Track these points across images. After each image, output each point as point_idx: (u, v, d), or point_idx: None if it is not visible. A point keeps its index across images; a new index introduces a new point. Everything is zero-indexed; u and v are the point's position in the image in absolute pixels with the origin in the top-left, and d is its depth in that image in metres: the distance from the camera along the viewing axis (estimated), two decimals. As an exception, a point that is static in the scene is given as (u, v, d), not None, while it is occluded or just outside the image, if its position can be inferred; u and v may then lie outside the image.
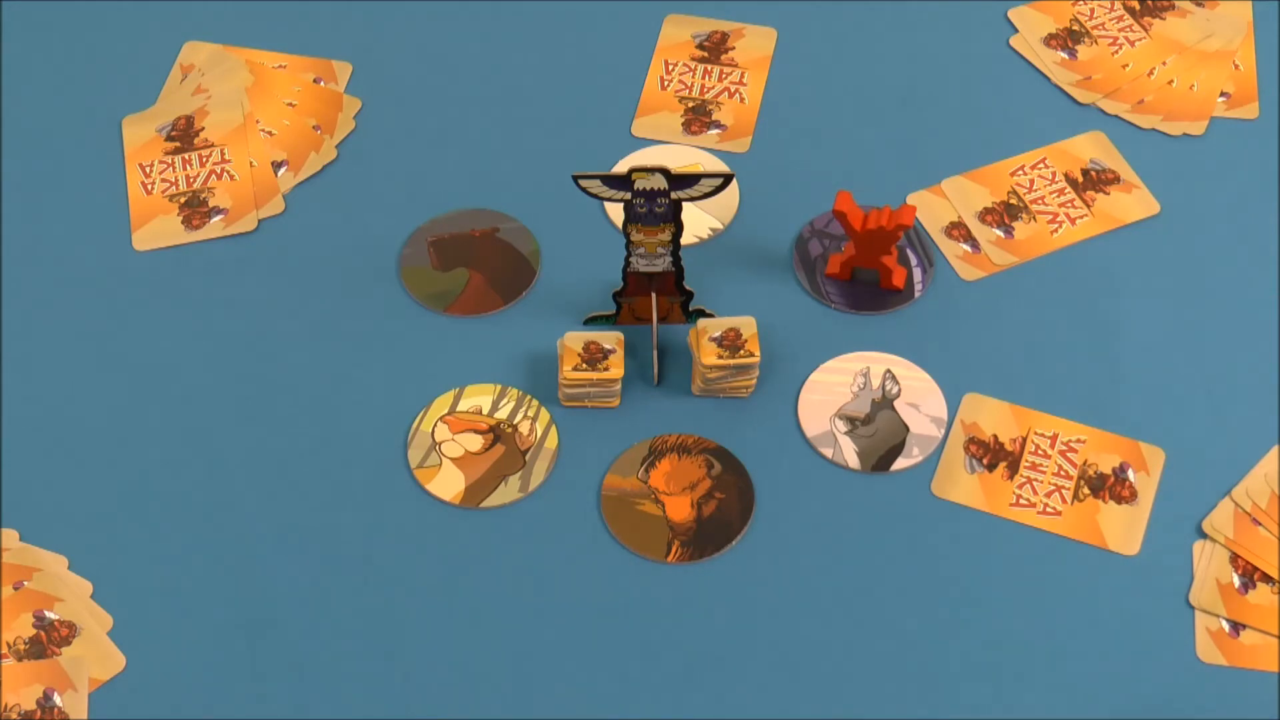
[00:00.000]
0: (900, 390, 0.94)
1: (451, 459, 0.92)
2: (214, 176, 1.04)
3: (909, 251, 1.00)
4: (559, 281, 0.99)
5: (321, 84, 1.10)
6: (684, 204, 0.89)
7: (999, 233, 1.01)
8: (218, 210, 1.03)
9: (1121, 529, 0.89)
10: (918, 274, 0.99)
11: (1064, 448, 0.92)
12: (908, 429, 0.93)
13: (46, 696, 0.83)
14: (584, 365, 0.92)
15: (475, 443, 0.92)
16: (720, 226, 1.02)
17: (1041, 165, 1.05)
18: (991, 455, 0.91)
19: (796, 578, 0.87)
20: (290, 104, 1.08)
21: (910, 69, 1.10)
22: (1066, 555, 0.88)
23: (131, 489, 0.91)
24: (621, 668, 0.84)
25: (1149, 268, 0.99)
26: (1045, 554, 0.88)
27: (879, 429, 0.93)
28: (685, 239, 0.92)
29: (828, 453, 0.92)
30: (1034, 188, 1.03)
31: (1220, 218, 1.02)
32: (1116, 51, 1.11)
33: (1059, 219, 1.02)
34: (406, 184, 1.05)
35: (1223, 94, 1.08)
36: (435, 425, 0.93)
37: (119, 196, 1.04)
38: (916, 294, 0.99)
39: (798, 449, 0.92)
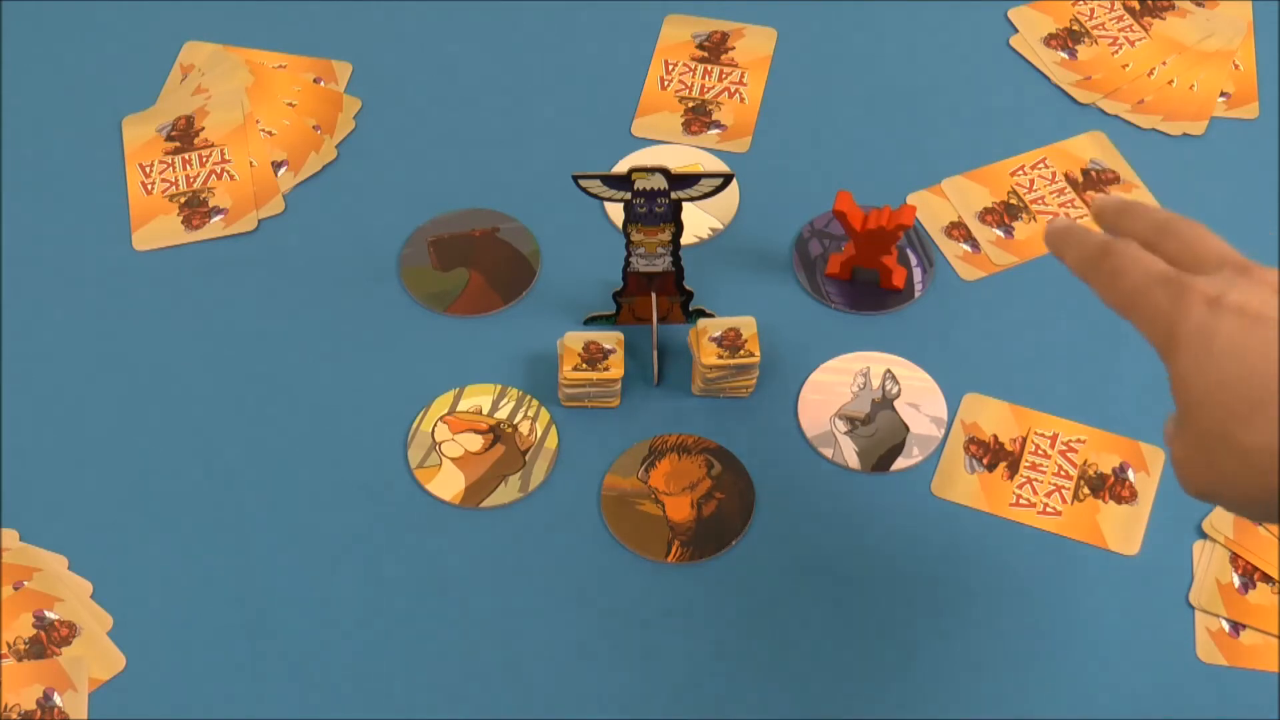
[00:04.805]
0: (900, 390, 0.94)
1: (451, 459, 0.92)
2: (214, 176, 1.04)
3: (909, 251, 1.00)
4: (559, 281, 0.99)
5: (321, 84, 1.10)
6: (684, 204, 0.90)
7: (999, 233, 1.01)
8: (218, 210, 1.03)
9: (1121, 529, 0.89)
10: (918, 274, 0.99)
11: (1064, 448, 0.92)
12: (908, 429, 0.93)
13: (46, 696, 0.83)
14: (584, 365, 0.92)
15: (475, 443, 0.92)
16: (720, 226, 1.02)
17: (1041, 165, 1.05)
18: (991, 455, 0.92)
19: (796, 577, 0.87)
20: (290, 104, 1.08)
21: (910, 69, 1.11)
22: (1066, 555, 0.88)
23: (131, 489, 0.91)
24: (621, 668, 0.84)
25: (1149, 268, 0.99)
26: (1045, 554, 0.88)
27: (879, 429, 0.93)
28: (685, 239, 0.92)
29: (828, 453, 0.92)
30: (1034, 188, 1.03)
31: (1220, 218, 1.01)
32: (1116, 51, 1.11)
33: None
34: (406, 184, 1.05)
35: (1223, 94, 1.08)
36: (435, 425, 0.93)
37: (119, 196, 1.04)
38: (916, 294, 0.99)
39: (798, 449, 0.92)
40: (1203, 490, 0.63)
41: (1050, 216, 1.02)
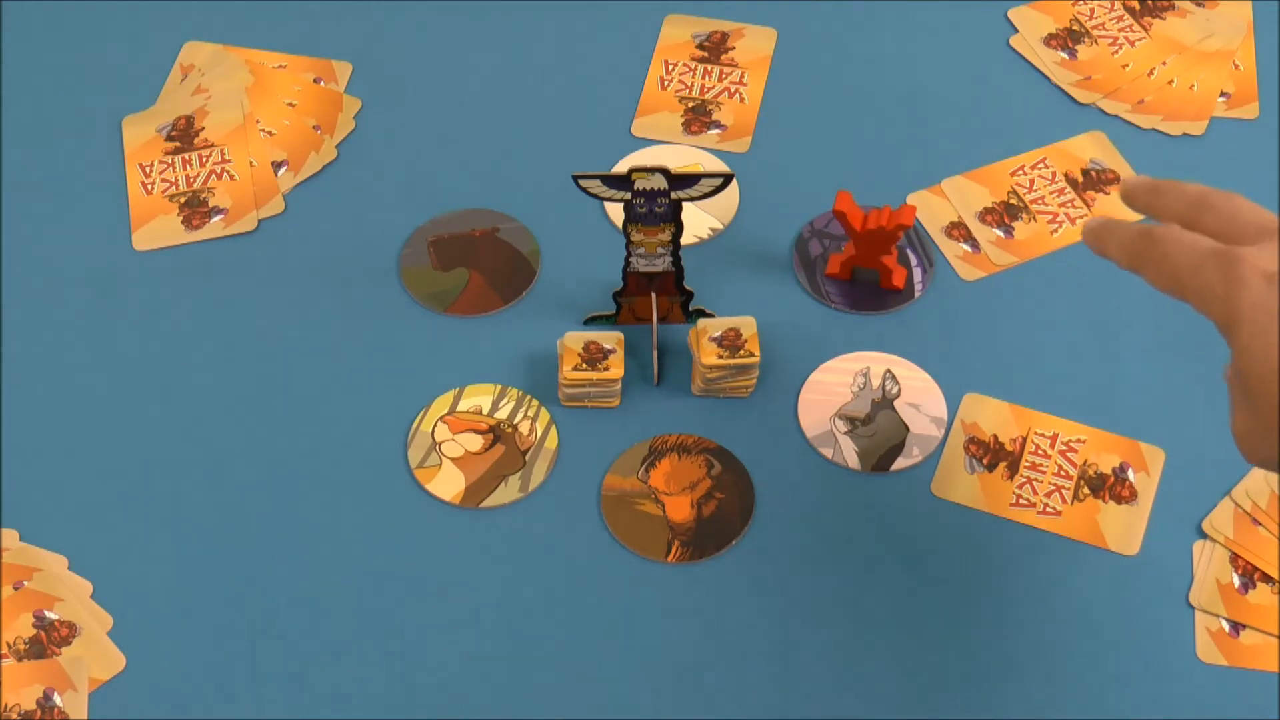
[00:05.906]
0: (900, 390, 0.94)
1: (451, 459, 0.92)
2: (214, 176, 1.04)
3: (909, 251, 1.00)
4: (559, 281, 0.99)
5: (321, 84, 1.10)
6: (684, 204, 0.90)
7: (999, 233, 1.01)
8: (218, 210, 1.03)
9: (1121, 529, 0.89)
10: (918, 274, 0.99)
11: (1064, 448, 0.92)
12: (908, 429, 0.93)
13: (46, 696, 0.83)
14: (584, 365, 0.92)
15: (475, 443, 0.92)
16: (720, 226, 1.02)
17: (1041, 165, 1.05)
18: (991, 455, 0.92)
19: (796, 578, 0.87)
20: (290, 104, 1.08)
21: (910, 69, 1.11)
22: (1066, 555, 0.88)
23: (131, 489, 0.91)
24: (621, 668, 0.84)
25: (1149, 268, 0.99)
26: (1045, 554, 0.88)
27: (879, 429, 0.93)
28: (685, 239, 0.92)
29: (828, 453, 0.92)
30: (1034, 188, 1.03)
31: (1220, 218, 1.02)
32: (1116, 51, 1.11)
33: (1059, 219, 1.02)
34: (406, 184, 1.05)
35: (1223, 94, 1.08)
36: (435, 425, 0.93)
37: (119, 196, 1.04)
38: (916, 294, 0.99)
39: (798, 449, 0.92)
40: (1264, 460, 0.64)
41: (1049, 216, 1.02)
